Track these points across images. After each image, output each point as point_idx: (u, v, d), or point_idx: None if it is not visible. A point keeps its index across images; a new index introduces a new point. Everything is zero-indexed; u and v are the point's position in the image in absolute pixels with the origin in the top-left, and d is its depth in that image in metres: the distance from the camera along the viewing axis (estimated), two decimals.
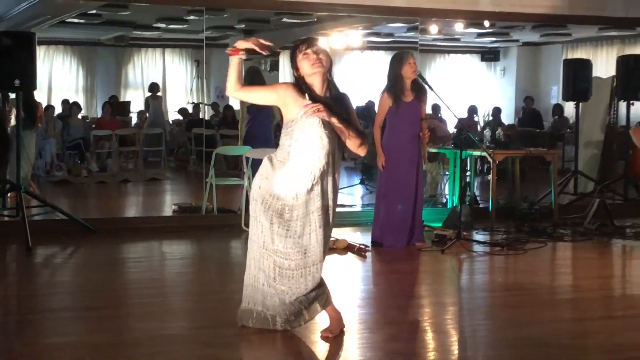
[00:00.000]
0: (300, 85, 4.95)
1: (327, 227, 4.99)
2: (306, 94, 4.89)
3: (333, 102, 4.89)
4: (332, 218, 5.04)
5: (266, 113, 9.64)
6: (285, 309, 4.99)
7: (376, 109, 8.44)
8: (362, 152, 5.02)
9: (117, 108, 16.06)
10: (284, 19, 12.14)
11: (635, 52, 13.59)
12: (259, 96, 5.23)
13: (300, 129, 4.83)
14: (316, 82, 4.93)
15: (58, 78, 17.07)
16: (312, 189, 4.85)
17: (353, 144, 4.92)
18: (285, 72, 14.61)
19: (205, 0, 9.21)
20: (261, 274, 4.99)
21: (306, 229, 4.89)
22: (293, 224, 4.89)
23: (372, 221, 8.39)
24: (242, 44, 4.92)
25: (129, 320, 5.67)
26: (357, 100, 14.73)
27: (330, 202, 4.98)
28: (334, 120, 4.81)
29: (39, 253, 7.87)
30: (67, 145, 14.45)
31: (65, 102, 15.74)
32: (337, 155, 4.97)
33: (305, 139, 4.81)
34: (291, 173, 4.84)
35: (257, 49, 4.91)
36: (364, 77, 15.61)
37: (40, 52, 14.75)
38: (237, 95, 5.17)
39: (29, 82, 8.31)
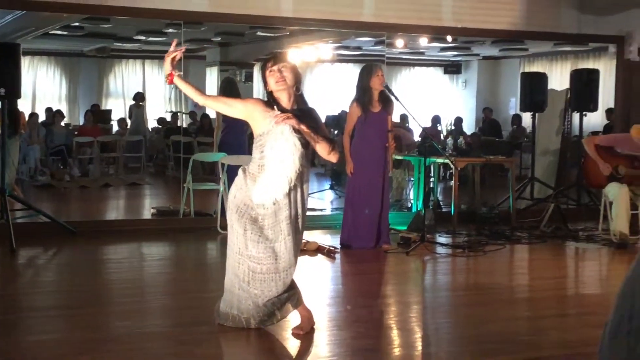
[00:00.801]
0: (269, 99, 4.98)
1: (297, 235, 4.98)
2: (275, 107, 4.90)
3: (301, 114, 4.90)
4: (301, 226, 5.04)
5: (241, 122, 9.57)
6: (259, 311, 4.99)
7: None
8: (333, 158, 5.03)
9: (98, 116, 15.97)
10: (258, 33, 12.14)
11: (588, 66, 13.73)
12: (229, 107, 5.18)
13: (274, 138, 4.82)
14: (283, 97, 4.94)
15: (42, 87, 16.95)
16: (288, 193, 4.85)
17: (323, 149, 4.92)
18: (260, 83, 14.60)
19: (183, 14, 9.17)
20: (236, 279, 4.99)
21: (278, 236, 4.90)
22: (265, 231, 4.89)
23: (341, 224, 8.39)
24: (167, 68, 4.91)
25: (109, 318, 5.63)
26: (328, 110, 14.80)
27: (300, 211, 4.98)
28: (303, 127, 4.82)
29: (23, 254, 7.80)
30: (50, 151, 14.34)
31: (48, 110, 15.60)
32: (305, 166, 4.97)
33: (279, 147, 4.81)
34: (268, 181, 4.83)
35: (177, 56, 4.92)
36: (334, 88, 15.64)
37: (25, 62, 14.61)
38: (208, 103, 5.20)
39: (14, 91, 8.24)
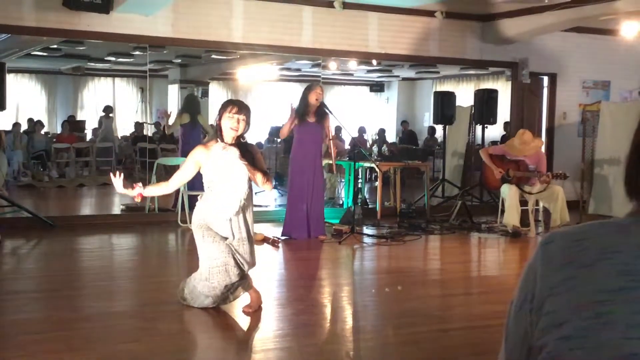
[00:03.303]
0: (217, 130, 4.94)
1: (242, 255, 4.95)
2: (218, 139, 4.88)
3: (242, 148, 4.86)
4: (249, 246, 4.97)
5: (197, 131, 9.74)
6: (216, 300, 5.00)
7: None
8: (267, 187, 4.97)
9: (74, 126, 15.65)
10: (213, 55, 12.03)
11: (488, 87, 13.93)
12: (187, 173, 4.95)
13: (222, 166, 4.80)
14: (228, 137, 4.89)
15: (25, 100, 16.52)
16: (238, 212, 4.82)
17: (259, 180, 4.88)
18: (214, 98, 14.52)
19: (149, 39, 9.06)
20: (200, 281, 4.98)
21: (237, 248, 4.92)
22: (220, 234, 4.88)
23: (284, 218, 8.39)
24: (131, 193, 4.77)
25: (83, 300, 5.53)
26: (272, 122, 14.75)
27: (245, 235, 4.94)
28: (244, 160, 4.80)
29: (7, 245, 7.60)
30: (31, 155, 14.05)
31: (30, 120, 15.24)
32: (248, 194, 4.93)
33: (228, 171, 4.80)
34: (219, 201, 4.83)
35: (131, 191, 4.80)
36: (277, 104, 15.59)
37: (10, 79, 14.24)
38: (173, 187, 5.01)
39: (0, 104, 8.06)
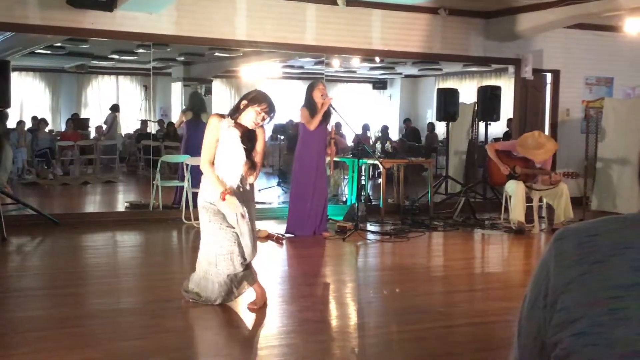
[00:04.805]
0: (236, 107, 4.92)
1: (245, 236, 4.94)
2: (230, 116, 4.89)
3: (247, 134, 4.88)
4: (250, 235, 4.96)
5: (201, 129, 9.68)
6: (221, 290, 5.00)
7: (297, 120, 8.52)
8: (250, 179, 4.95)
9: (78, 123, 15.66)
10: (216, 53, 12.02)
11: (491, 84, 13.89)
12: (213, 146, 4.86)
13: (223, 143, 4.79)
14: (244, 124, 4.88)
15: (29, 98, 16.53)
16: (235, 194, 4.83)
17: (247, 169, 4.88)
18: (218, 96, 14.51)
19: (152, 36, 9.04)
20: (204, 265, 5.00)
21: (242, 232, 4.91)
22: (227, 221, 4.87)
23: (287, 215, 8.38)
24: (232, 200, 4.77)
25: (88, 296, 5.53)
26: (275, 119, 14.68)
27: (246, 224, 4.93)
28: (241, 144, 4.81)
29: (13, 242, 7.60)
30: (36, 153, 14.05)
31: (34, 118, 15.24)
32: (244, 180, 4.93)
33: (228, 150, 4.79)
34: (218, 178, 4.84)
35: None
36: (280, 101, 15.55)
37: (14, 77, 14.24)
38: (212, 159, 4.89)
39: (4, 102, 8.07)
